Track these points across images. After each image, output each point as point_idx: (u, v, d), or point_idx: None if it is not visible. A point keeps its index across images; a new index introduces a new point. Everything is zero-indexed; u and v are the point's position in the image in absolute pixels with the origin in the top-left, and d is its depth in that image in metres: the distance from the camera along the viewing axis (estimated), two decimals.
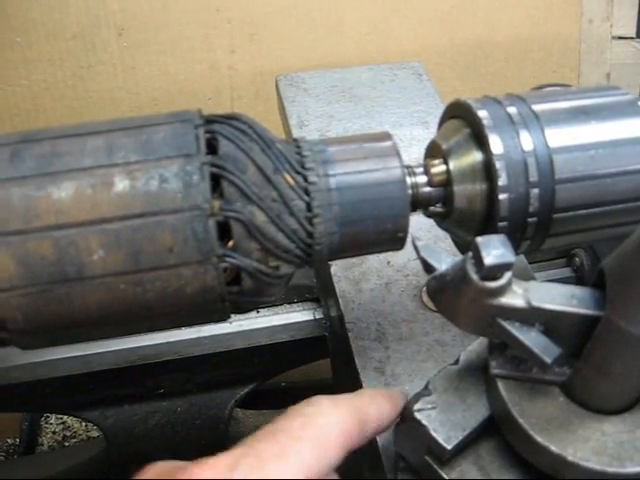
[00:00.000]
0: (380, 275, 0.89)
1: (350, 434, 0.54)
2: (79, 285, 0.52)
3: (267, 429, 0.51)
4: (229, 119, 0.57)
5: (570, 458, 0.52)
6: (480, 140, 0.62)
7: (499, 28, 1.61)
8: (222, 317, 0.59)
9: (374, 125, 1.13)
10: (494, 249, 0.51)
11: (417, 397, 0.60)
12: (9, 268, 0.51)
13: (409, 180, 0.63)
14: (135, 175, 0.53)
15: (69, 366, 1.05)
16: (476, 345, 0.64)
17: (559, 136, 0.62)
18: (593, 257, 1.07)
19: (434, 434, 0.57)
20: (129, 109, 1.45)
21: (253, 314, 1.09)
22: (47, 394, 1.09)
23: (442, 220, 0.67)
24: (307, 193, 0.57)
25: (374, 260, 0.91)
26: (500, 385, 0.57)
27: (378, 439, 0.71)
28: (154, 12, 1.42)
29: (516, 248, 0.64)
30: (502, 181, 0.60)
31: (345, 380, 0.89)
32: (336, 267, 0.90)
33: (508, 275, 0.53)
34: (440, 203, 0.65)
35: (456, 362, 0.63)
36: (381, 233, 0.60)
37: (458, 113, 0.66)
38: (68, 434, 1.83)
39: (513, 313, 0.54)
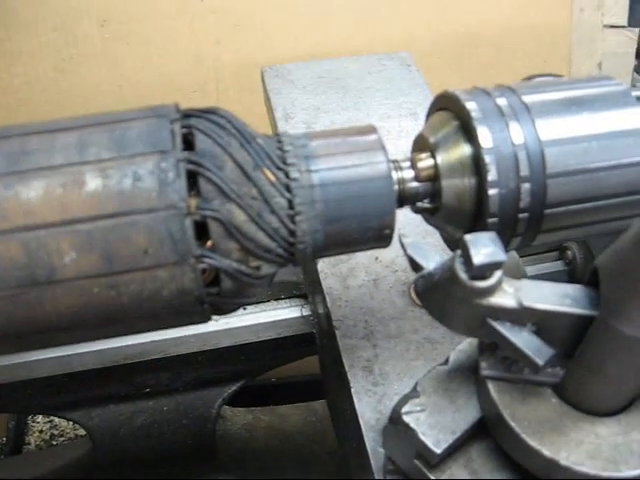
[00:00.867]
0: (368, 271, 0.87)
1: None
2: (50, 289, 0.50)
3: None
4: (206, 113, 0.55)
5: (563, 462, 0.51)
6: (469, 133, 0.60)
7: (489, 17, 1.59)
8: (202, 319, 0.57)
9: (362, 117, 1.11)
10: (484, 247, 0.50)
11: (405, 399, 0.59)
12: None
13: (395, 175, 0.61)
14: (108, 173, 0.50)
15: (51, 366, 1.04)
16: (466, 344, 0.62)
17: (551, 128, 0.60)
18: (586, 250, 1.06)
19: (423, 438, 0.56)
20: (112, 102, 1.43)
21: (239, 311, 1.07)
22: (29, 395, 1.07)
23: (430, 216, 0.65)
24: (289, 190, 0.55)
25: (362, 256, 0.89)
26: (491, 387, 0.56)
27: (366, 440, 0.69)
28: (137, 3, 1.39)
29: (507, 245, 0.62)
30: (492, 176, 0.58)
31: (333, 379, 0.87)
32: (323, 263, 0.89)
33: (498, 274, 0.51)
34: (428, 198, 0.63)
35: (445, 362, 0.62)
36: (367, 231, 0.58)
37: (446, 105, 0.64)
38: (55, 432, 1.81)
39: (504, 313, 0.52)
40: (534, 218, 0.60)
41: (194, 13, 1.43)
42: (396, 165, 0.62)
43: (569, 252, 1.09)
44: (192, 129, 0.54)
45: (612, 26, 1.70)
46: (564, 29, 1.65)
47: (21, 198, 0.50)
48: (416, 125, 1.08)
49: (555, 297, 0.52)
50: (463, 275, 0.50)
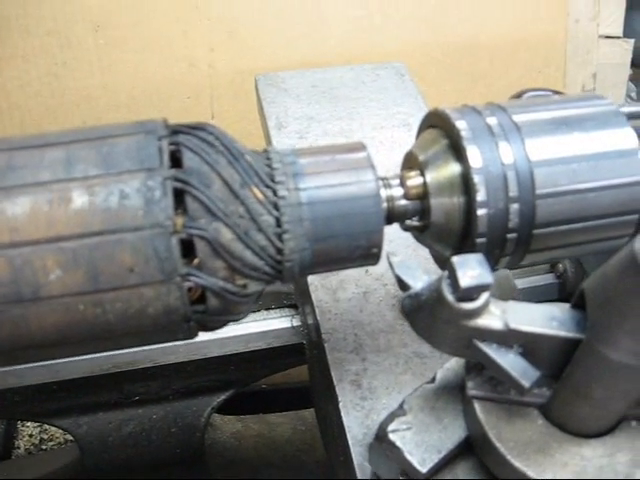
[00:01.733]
0: (358, 284, 0.87)
1: None
2: (35, 306, 0.50)
3: None
4: (195, 129, 0.55)
5: None
6: (458, 152, 0.60)
7: (484, 27, 1.59)
8: (188, 336, 0.56)
9: (355, 127, 1.10)
10: (470, 269, 0.49)
11: (392, 417, 0.59)
12: None
13: (384, 193, 0.60)
14: (94, 190, 0.50)
15: (41, 374, 1.03)
16: (453, 362, 0.62)
17: (540, 148, 0.60)
18: (576, 264, 1.06)
19: (409, 457, 0.56)
20: (105, 107, 1.42)
21: None
22: (18, 402, 1.06)
23: (419, 234, 0.65)
24: (276, 208, 0.55)
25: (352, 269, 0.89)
26: (477, 406, 0.56)
27: (353, 455, 0.69)
28: (131, 8, 1.39)
29: (495, 264, 0.62)
30: (481, 196, 0.57)
31: (321, 390, 0.87)
32: (313, 275, 0.88)
33: (485, 296, 0.51)
34: (417, 216, 0.63)
35: (432, 380, 0.61)
36: (354, 249, 0.58)
37: (436, 122, 0.64)
38: (45, 437, 1.80)
39: (490, 335, 0.52)
40: (523, 238, 0.60)
41: (189, 20, 1.43)
42: (385, 182, 0.61)
43: (560, 265, 1.08)
44: (180, 146, 0.53)
45: (607, 37, 1.70)
46: (559, 39, 1.65)
47: (7, 215, 0.49)
48: (409, 136, 1.08)
49: (542, 319, 0.52)
50: (450, 297, 0.50)
